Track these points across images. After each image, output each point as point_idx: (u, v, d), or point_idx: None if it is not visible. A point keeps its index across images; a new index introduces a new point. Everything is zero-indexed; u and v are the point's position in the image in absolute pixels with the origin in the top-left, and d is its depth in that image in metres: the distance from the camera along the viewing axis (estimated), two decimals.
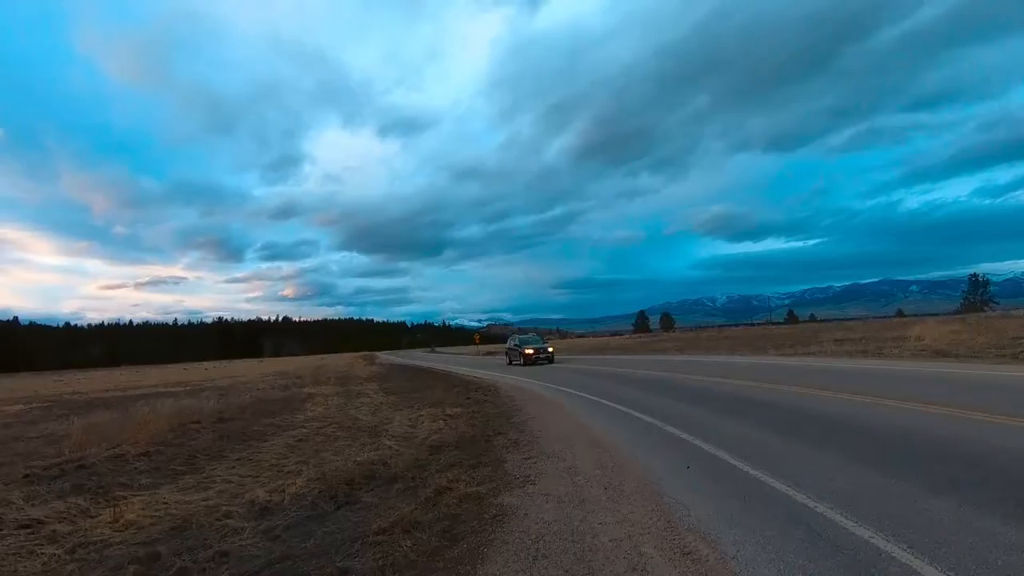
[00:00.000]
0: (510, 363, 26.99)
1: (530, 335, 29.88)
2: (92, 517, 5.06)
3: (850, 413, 7.09)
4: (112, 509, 5.15)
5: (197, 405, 13.19)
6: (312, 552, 3.88)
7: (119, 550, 4.20)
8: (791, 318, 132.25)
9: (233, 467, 6.94)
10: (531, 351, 25.00)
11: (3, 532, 4.74)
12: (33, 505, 5.55)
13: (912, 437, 5.55)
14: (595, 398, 11.07)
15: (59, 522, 4.97)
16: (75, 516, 5.14)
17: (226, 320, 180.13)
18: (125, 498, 5.56)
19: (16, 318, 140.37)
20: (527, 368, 23.19)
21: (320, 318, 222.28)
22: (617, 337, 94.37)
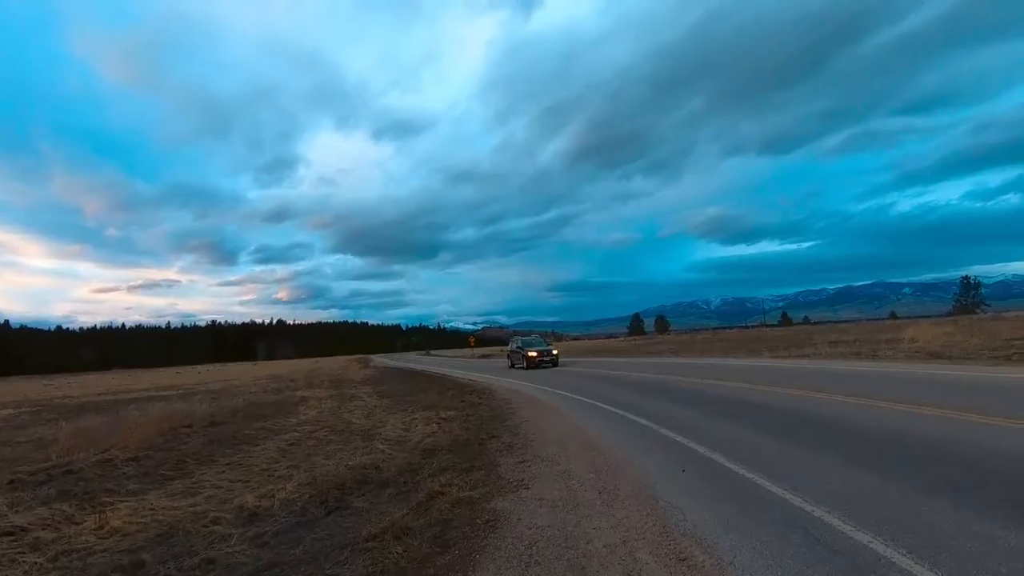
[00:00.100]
0: (512, 366, 26.19)
1: (533, 337, 28.84)
2: (77, 524, 4.96)
3: (845, 415, 7.07)
4: (97, 515, 5.05)
5: (189, 409, 13.04)
6: (301, 559, 3.80)
7: (103, 558, 4.11)
8: (785, 320, 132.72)
9: (223, 472, 6.84)
10: (534, 354, 24.03)
11: None
12: (17, 512, 5.44)
13: (907, 439, 5.53)
14: (590, 401, 11.01)
15: (43, 529, 4.87)
16: (59, 523, 5.04)
17: (220, 323, 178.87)
18: (111, 504, 5.46)
19: (7, 321, 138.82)
20: (522, 372, 23.03)
21: (314, 321, 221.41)
22: (612, 340, 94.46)
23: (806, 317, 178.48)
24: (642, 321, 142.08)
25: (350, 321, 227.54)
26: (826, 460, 5.03)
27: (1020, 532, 3.15)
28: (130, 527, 4.74)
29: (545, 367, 23.47)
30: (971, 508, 3.56)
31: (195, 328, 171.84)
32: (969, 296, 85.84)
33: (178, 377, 45.99)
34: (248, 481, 6.25)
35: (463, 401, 12.54)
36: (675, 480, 4.86)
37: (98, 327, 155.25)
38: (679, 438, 6.54)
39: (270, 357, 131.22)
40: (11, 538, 4.67)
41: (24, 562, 4.09)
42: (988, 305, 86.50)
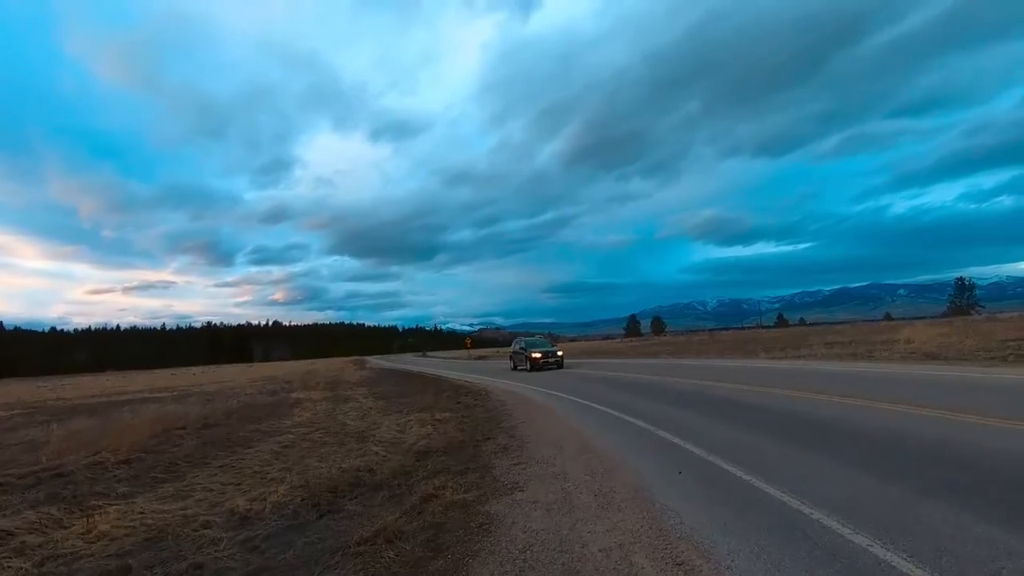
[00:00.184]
0: (515, 368, 25.51)
1: (537, 338, 28.40)
2: (64, 528, 4.88)
3: (842, 416, 7.04)
4: (85, 519, 4.97)
5: (182, 411, 12.94)
6: (291, 564, 3.73)
7: (89, 563, 4.03)
8: (781, 322, 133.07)
9: (215, 474, 6.76)
10: (538, 355, 23.36)
11: None
12: (4, 515, 5.34)
13: (905, 440, 5.50)
14: (586, 402, 10.96)
15: (29, 533, 4.78)
16: (47, 527, 4.95)
17: (215, 325, 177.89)
18: (100, 508, 5.37)
19: (1, 323, 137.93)
20: (520, 373, 22.93)
21: (310, 322, 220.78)
22: (609, 341, 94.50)
23: (802, 318, 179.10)
24: (638, 322, 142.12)
25: (346, 323, 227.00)
26: (824, 462, 4.99)
27: (1021, 534, 3.11)
28: (118, 531, 4.66)
29: (550, 369, 22.90)
30: (971, 510, 3.52)
31: (190, 329, 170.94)
32: (964, 297, 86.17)
33: (173, 379, 45.69)
34: (240, 484, 6.17)
35: (458, 403, 12.47)
36: (671, 482, 4.81)
37: (93, 328, 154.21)
38: (676, 440, 6.49)
39: (266, 359, 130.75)
40: None
41: (9, 567, 4.01)
42: (983, 306, 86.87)
